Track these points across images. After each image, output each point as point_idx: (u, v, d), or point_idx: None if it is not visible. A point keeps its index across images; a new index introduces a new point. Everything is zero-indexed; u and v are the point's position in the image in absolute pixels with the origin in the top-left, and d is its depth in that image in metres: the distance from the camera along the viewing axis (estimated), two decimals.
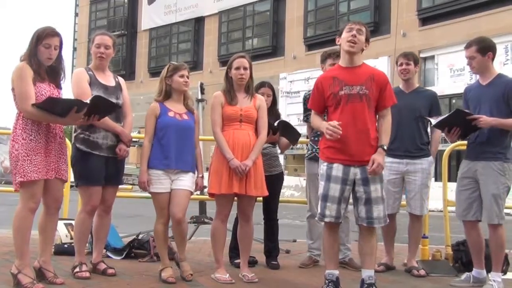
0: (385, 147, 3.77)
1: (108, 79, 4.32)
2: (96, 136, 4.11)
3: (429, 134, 4.94)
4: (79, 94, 4.07)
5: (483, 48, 4.26)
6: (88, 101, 3.75)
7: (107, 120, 4.10)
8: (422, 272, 4.71)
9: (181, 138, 4.22)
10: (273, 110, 4.98)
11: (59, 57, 3.88)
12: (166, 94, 4.32)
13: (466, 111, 4.29)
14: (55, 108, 3.65)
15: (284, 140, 4.91)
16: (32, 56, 3.73)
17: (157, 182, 4.16)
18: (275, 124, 4.61)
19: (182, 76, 4.29)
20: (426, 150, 4.86)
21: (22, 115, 3.69)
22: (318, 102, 3.91)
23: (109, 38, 4.31)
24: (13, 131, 3.71)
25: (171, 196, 4.18)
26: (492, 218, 4.13)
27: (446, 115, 4.37)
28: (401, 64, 4.95)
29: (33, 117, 3.66)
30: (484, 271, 4.35)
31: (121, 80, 4.46)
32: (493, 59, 4.31)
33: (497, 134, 4.18)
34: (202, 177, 4.36)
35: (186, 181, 4.22)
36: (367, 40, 3.86)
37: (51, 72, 3.85)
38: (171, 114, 4.25)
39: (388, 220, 3.87)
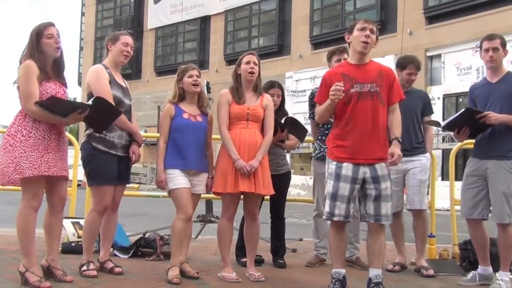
0: (400, 139, 3.78)
1: (121, 79, 4.34)
2: (112, 135, 4.11)
3: (423, 132, 4.99)
4: (100, 91, 4.03)
5: (504, 44, 4.30)
6: (90, 103, 3.75)
7: (125, 119, 4.12)
8: (431, 272, 4.68)
9: (196, 139, 4.25)
10: (281, 109, 4.97)
11: (61, 51, 3.86)
12: (180, 97, 4.35)
13: (476, 109, 4.28)
14: (57, 107, 3.64)
15: (288, 142, 4.91)
16: (36, 52, 3.70)
17: (177, 178, 4.16)
18: (282, 121, 4.61)
19: (190, 76, 4.31)
20: (422, 148, 4.92)
21: (24, 113, 3.69)
22: (325, 96, 3.86)
23: (133, 40, 4.37)
24: (11, 126, 3.67)
25: None
26: (503, 217, 4.11)
27: (456, 115, 4.35)
28: (411, 74, 4.96)
29: (35, 116, 3.65)
30: (490, 268, 4.35)
31: (126, 82, 4.49)
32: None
33: (507, 132, 4.16)
34: (212, 178, 4.36)
35: (200, 186, 4.30)
36: (376, 38, 3.87)
37: (56, 68, 3.85)
38: (185, 115, 4.28)
39: (392, 218, 3.88)
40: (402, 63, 5.02)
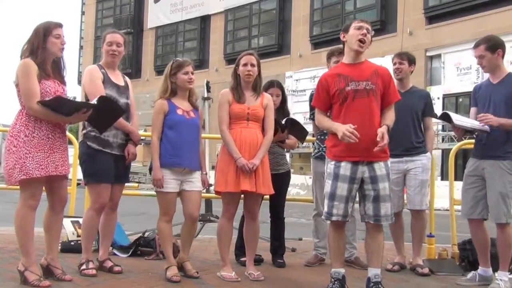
0: (390, 128, 3.70)
1: (118, 78, 4.34)
2: (107, 134, 4.11)
3: (423, 132, 5.01)
4: (92, 91, 4.07)
5: (492, 46, 4.25)
6: (95, 102, 3.73)
7: (120, 118, 4.09)
8: (426, 270, 4.69)
9: (190, 136, 4.22)
10: (283, 108, 4.98)
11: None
12: (172, 92, 4.27)
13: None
14: (61, 107, 3.62)
15: (288, 141, 4.92)
16: (38, 49, 3.68)
17: (167, 181, 4.13)
18: (283, 121, 4.61)
19: (186, 73, 4.26)
20: (422, 148, 4.92)
21: (25, 112, 3.66)
22: (323, 99, 3.86)
23: (121, 37, 4.34)
24: (13, 127, 3.65)
25: (185, 196, 4.22)
26: (500, 217, 4.12)
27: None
28: (395, 64, 5.01)
29: (37, 115, 3.63)
30: (490, 269, 4.35)
31: (127, 79, 4.47)
32: (503, 57, 4.30)
33: (505, 134, 4.15)
34: (206, 174, 4.37)
35: (197, 182, 4.27)
36: (371, 39, 3.88)
37: (55, 66, 3.84)
38: (179, 112, 4.22)
39: (394, 218, 3.88)
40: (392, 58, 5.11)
